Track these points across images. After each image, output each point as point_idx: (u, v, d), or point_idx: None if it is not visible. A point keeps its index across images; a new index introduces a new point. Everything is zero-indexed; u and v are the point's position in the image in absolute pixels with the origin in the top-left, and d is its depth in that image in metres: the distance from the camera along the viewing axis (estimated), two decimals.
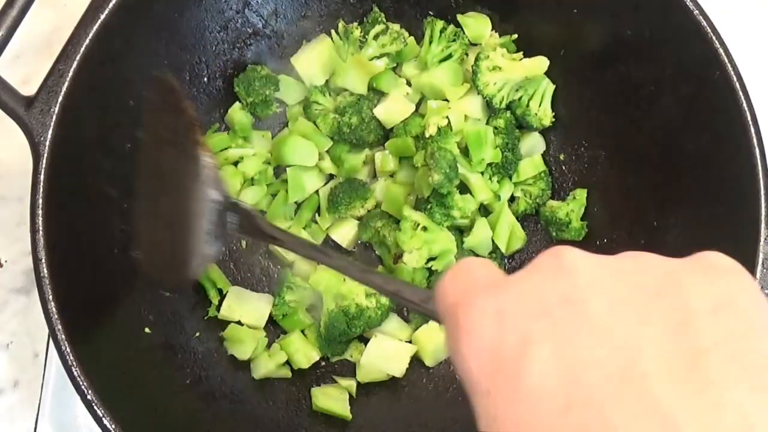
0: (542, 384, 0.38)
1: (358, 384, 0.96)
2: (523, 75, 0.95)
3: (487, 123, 0.98)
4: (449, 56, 0.98)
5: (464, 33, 0.99)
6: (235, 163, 0.99)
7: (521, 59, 0.96)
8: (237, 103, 1.00)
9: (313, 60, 1.00)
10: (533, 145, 1.00)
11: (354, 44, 0.99)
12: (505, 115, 0.97)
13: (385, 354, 0.94)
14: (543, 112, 0.97)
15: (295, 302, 0.96)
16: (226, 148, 0.99)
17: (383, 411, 0.95)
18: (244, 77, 0.98)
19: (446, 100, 0.97)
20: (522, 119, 0.98)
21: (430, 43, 0.98)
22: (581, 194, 0.97)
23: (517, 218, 0.98)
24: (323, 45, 1.00)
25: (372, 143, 0.99)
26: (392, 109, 0.98)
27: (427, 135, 0.93)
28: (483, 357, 0.41)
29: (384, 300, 0.93)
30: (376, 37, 0.99)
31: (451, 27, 0.98)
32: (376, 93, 1.00)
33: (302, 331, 0.97)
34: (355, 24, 1.00)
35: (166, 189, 0.77)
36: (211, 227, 0.71)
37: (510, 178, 0.98)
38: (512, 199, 1.00)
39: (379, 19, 0.99)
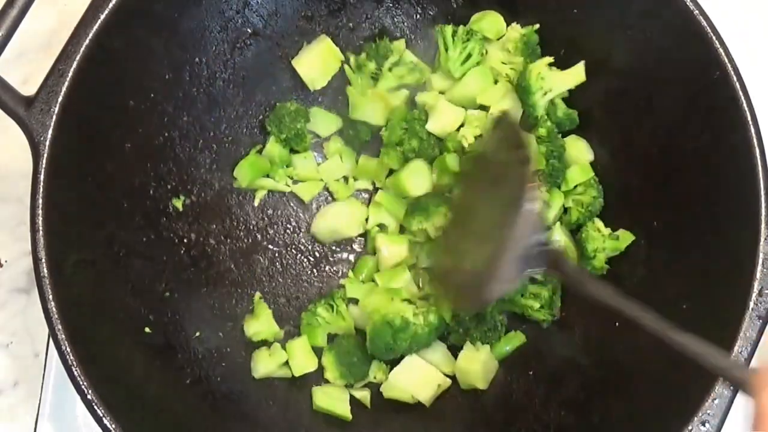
0: None
1: (372, 395, 0.95)
2: (568, 86, 0.95)
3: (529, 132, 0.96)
4: (469, 56, 0.97)
5: (476, 32, 0.97)
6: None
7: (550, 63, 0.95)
8: (271, 137, 1.01)
9: (314, 63, 1.00)
10: (579, 152, 0.97)
11: (368, 76, 0.99)
12: (546, 124, 0.95)
13: (417, 375, 0.93)
14: (566, 111, 0.96)
15: (324, 320, 0.96)
16: (266, 175, 1.01)
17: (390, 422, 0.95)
18: (274, 115, 1.00)
19: (484, 107, 0.97)
20: (558, 121, 0.96)
21: (447, 50, 0.97)
22: (625, 238, 0.92)
23: (570, 230, 0.96)
24: (323, 46, 1.00)
25: (436, 156, 0.99)
26: (444, 121, 0.97)
27: (466, 146, 0.92)
28: None
29: (432, 318, 0.92)
30: (390, 69, 0.99)
31: (461, 28, 0.97)
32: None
33: (319, 354, 0.96)
34: (365, 55, 1.00)
35: (481, 214, 0.84)
36: (519, 258, 0.75)
37: (559, 187, 0.95)
38: (564, 211, 0.97)
39: (390, 49, 0.99)
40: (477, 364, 0.93)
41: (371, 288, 0.97)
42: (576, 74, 0.94)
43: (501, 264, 0.75)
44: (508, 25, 0.99)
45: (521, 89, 0.94)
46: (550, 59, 0.95)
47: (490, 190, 0.84)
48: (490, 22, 0.98)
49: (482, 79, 0.97)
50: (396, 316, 0.90)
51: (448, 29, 0.97)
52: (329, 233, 1.01)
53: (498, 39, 0.99)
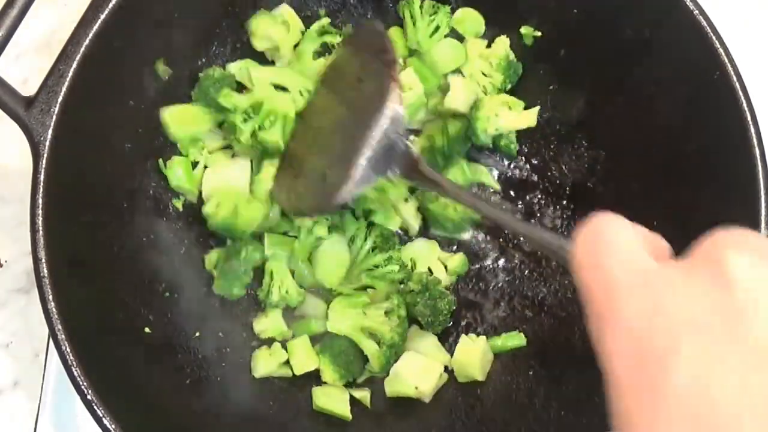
0: (680, 392, 0.37)
1: (372, 394, 0.95)
2: (515, 127, 0.97)
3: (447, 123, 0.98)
4: (437, 28, 0.97)
5: (442, 6, 0.98)
6: None
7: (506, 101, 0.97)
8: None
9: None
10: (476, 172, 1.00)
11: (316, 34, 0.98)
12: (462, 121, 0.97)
13: (417, 368, 0.93)
14: (508, 143, 0.99)
15: (279, 305, 0.95)
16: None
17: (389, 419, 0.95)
18: (199, 90, 0.92)
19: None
20: (498, 147, 0.99)
21: (414, 24, 0.97)
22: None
23: None
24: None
25: None
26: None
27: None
28: (627, 350, 0.41)
29: (402, 312, 0.93)
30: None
31: (427, 2, 0.98)
32: None
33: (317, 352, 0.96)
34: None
35: (338, 118, 0.80)
36: (377, 159, 0.73)
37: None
38: None
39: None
40: (474, 355, 0.93)
41: (337, 308, 0.95)
42: (527, 118, 0.97)
43: (358, 164, 0.74)
44: (496, 36, 0.99)
45: (472, 108, 0.96)
46: (508, 98, 0.97)
47: (350, 94, 0.81)
48: (471, 21, 1.00)
49: (453, 50, 0.98)
50: (392, 335, 0.91)
51: (416, 1, 0.98)
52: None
53: (478, 37, 1.00)
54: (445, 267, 1.00)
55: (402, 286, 0.95)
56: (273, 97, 0.91)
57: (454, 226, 0.98)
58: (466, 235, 1.01)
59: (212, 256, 0.95)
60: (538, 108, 0.98)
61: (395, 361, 0.93)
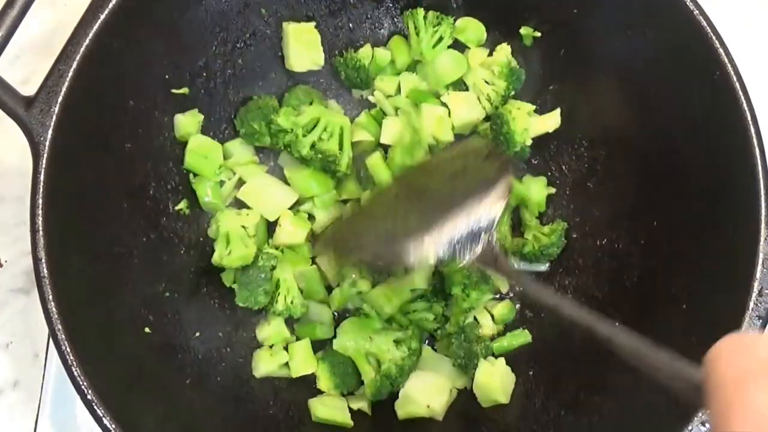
0: None
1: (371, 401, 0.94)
2: (544, 131, 0.98)
3: None
4: (440, 39, 0.98)
5: (446, 17, 0.99)
6: None
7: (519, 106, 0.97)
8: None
9: (302, 51, 0.99)
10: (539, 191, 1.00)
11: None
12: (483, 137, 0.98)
13: (428, 386, 0.92)
14: (525, 146, 0.99)
15: (283, 314, 0.95)
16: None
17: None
18: (248, 121, 0.96)
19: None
20: (515, 151, 0.98)
21: (418, 34, 0.98)
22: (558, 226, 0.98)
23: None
24: (297, 31, 0.99)
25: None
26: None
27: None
28: None
29: (414, 345, 0.92)
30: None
31: (431, 12, 0.98)
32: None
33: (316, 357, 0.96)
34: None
35: (443, 190, 0.85)
36: (455, 240, 0.76)
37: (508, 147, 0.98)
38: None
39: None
40: (496, 379, 0.92)
41: (347, 328, 0.95)
42: (553, 120, 0.98)
43: (441, 235, 0.76)
44: (497, 43, 1.00)
45: (502, 121, 0.95)
46: (526, 106, 0.97)
47: (451, 178, 0.85)
48: (473, 30, 1.00)
49: (454, 62, 0.99)
50: (389, 365, 0.90)
51: (420, 12, 0.98)
52: (254, 202, 0.97)
53: (479, 46, 1.01)
54: (492, 316, 0.98)
55: (438, 331, 0.96)
56: (327, 113, 0.95)
57: (536, 257, 0.98)
58: (544, 267, 0.99)
59: (228, 274, 0.95)
60: (559, 109, 0.98)
61: (397, 388, 0.92)
